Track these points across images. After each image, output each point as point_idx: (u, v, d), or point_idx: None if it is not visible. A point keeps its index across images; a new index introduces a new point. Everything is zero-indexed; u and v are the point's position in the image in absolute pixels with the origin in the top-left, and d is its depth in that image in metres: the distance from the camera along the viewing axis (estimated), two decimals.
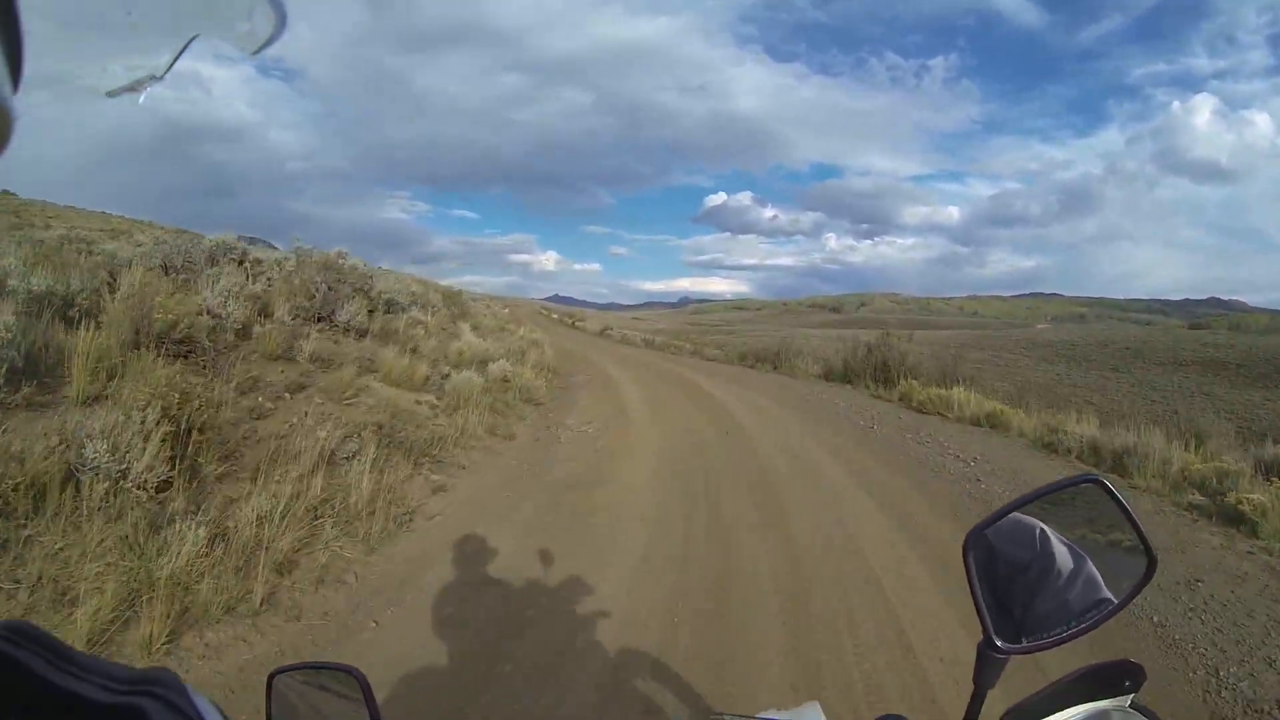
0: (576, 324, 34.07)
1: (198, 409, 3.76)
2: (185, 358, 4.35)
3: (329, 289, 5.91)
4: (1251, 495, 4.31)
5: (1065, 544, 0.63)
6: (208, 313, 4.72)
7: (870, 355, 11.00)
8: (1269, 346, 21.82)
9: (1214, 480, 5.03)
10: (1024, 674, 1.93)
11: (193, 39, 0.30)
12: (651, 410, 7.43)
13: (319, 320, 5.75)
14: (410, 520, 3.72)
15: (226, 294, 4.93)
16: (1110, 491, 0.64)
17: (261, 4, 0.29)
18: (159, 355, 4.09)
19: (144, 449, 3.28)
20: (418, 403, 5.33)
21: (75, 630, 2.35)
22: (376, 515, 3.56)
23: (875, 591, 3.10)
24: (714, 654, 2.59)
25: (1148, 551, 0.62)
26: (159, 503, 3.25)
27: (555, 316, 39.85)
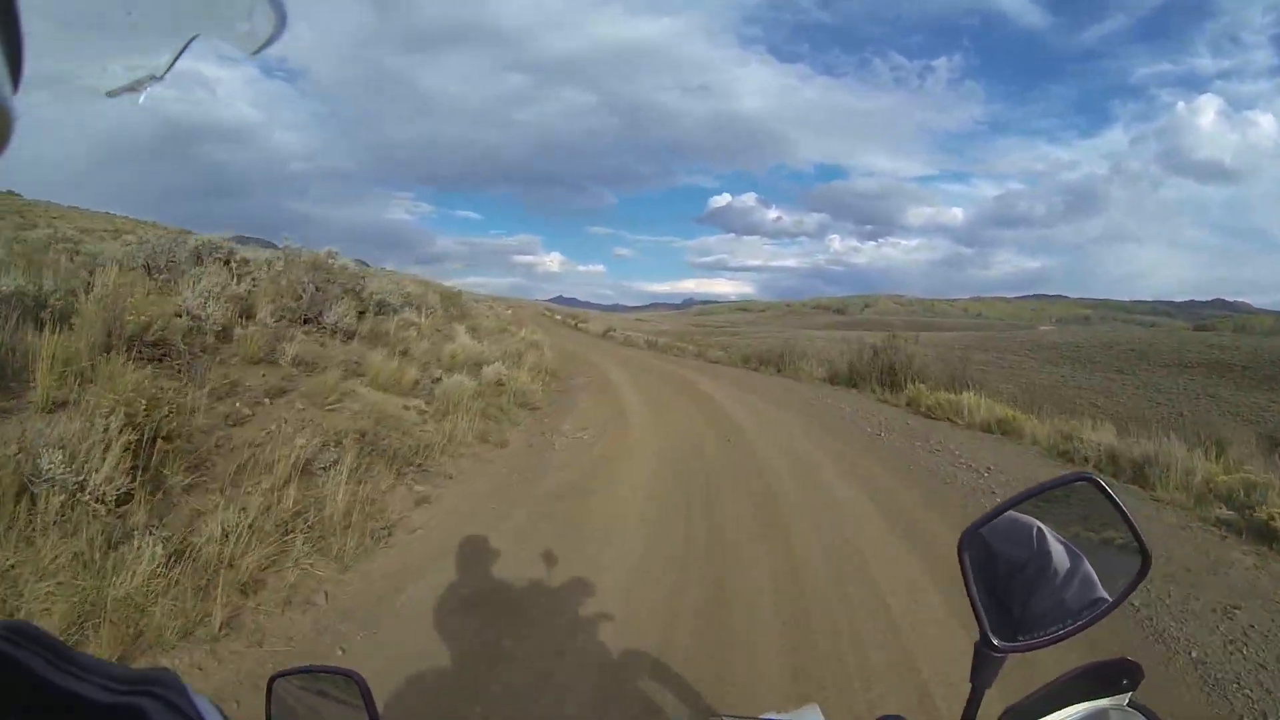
0: (579, 325, 33.92)
1: (166, 415, 3.57)
2: (160, 361, 4.16)
3: (317, 289, 5.71)
4: None
5: (1061, 542, 0.63)
6: (186, 314, 4.53)
7: (876, 358, 10.75)
8: (1274, 348, 21.52)
9: (1241, 493, 4.77)
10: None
11: (193, 39, 0.30)
12: (651, 415, 7.20)
13: (306, 322, 5.56)
14: (389, 535, 3.50)
15: (207, 295, 4.74)
16: (1104, 489, 0.63)
17: (261, 4, 0.29)
18: (130, 359, 3.90)
19: (103, 459, 3.09)
20: (405, 408, 5.13)
21: None
22: (352, 530, 3.35)
23: (886, 626, 2.85)
24: (710, 695, 2.36)
25: (1142, 549, 0.62)
26: (119, 516, 3.06)
27: (558, 318, 39.72)
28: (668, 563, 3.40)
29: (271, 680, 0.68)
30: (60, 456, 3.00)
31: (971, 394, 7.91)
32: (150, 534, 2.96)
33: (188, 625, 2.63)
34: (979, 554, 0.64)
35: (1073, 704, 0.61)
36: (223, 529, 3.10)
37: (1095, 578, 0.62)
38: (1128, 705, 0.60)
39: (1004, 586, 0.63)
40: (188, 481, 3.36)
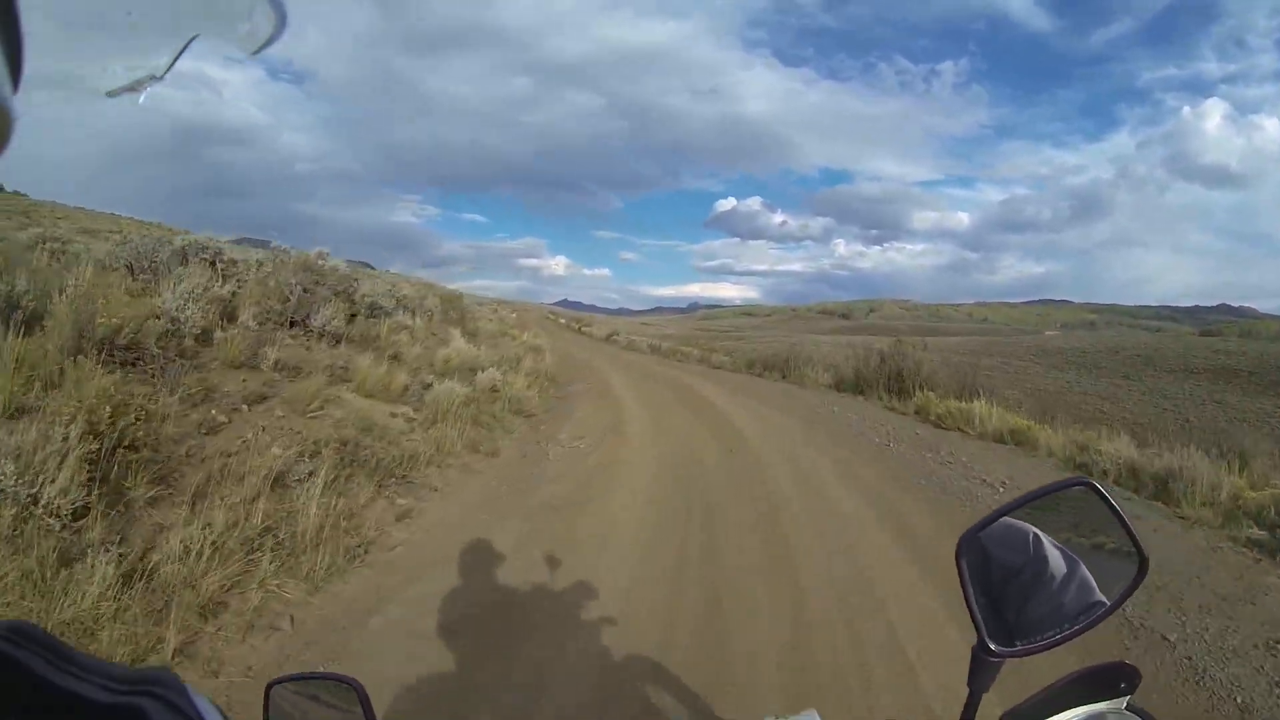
0: (583, 329, 33.78)
1: (133, 423, 3.38)
2: (133, 365, 3.97)
3: (304, 291, 5.53)
4: None
5: (1058, 547, 0.63)
6: (163, 316, 4.34)
7: (884, 364, 10.48)
8: None
9: (1272, 510, 4.51)
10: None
11: (193, 39, 0.30)
12: (651, 423, 6.97)
13: (292, 325, 5.37)
14: (365, 553, 3.29)
15: (187, 296, 4.56)
16: (1101, 494, 0.63)
17: (261, 4, 0.29)
18: (99, 362, 3.72)
19: (59, 469, 2.90)
20: (393, 415, 4.92)
21: None
22: (325, 547, 3.14)
23: (903, 670, 2.59)
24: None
25: (1139, 553, 0.61)
26: (76, 532, 2.87)
27: (563, 321, 39.59)
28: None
29: (269, 687, 0.67)
30: (12, 468, 2.81)
31: (982, 402, 7.64)
32: (106, 551, 2.77)
33: (138, 652, 2.43)
34: (976, 559, 0.64)
35: (1070, 708, 0.60)
36: (184, 546, 2.90)
37: (1092, 582, 0.61)
38: (1125, 709, 0.60)
39: (1000, 591, 0.63)
40: (151, 494, 3.16)
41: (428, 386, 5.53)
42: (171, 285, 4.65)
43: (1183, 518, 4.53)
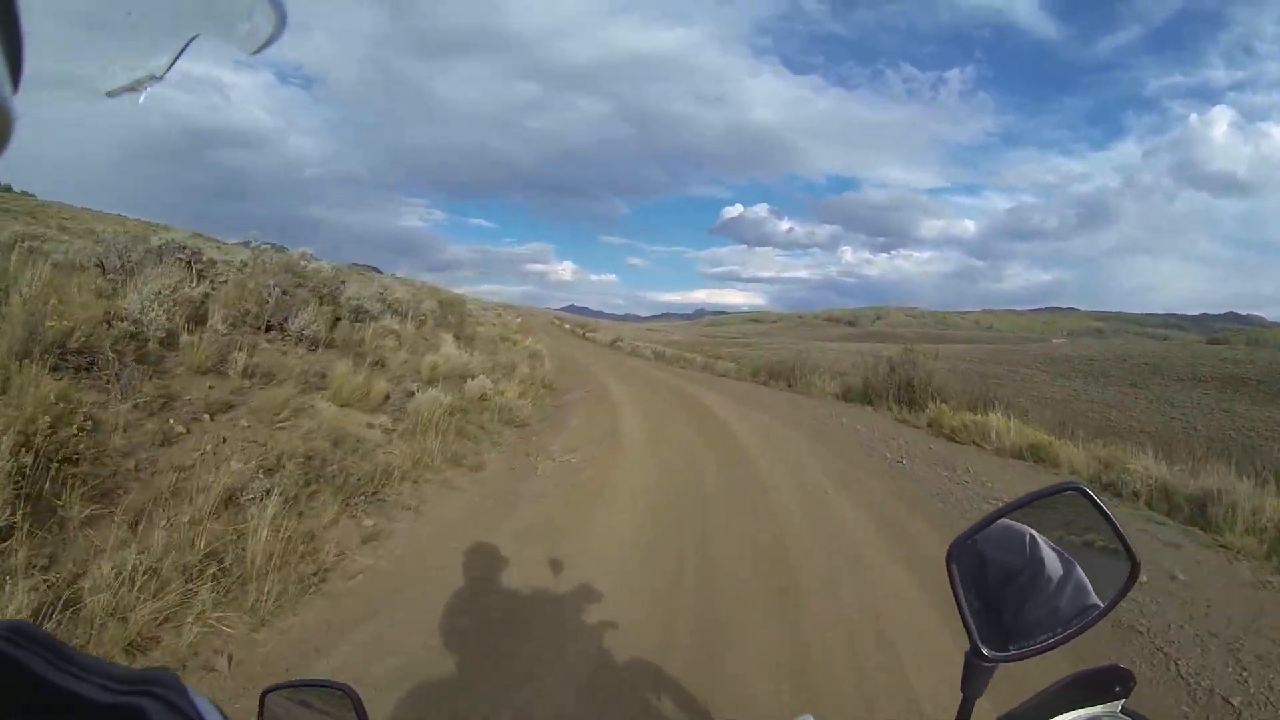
0: (587, 335, 33.55)
1: (75, 434, 3.09)
2: (86, 371, 3.70)
3: (284, 294, 5.26)
4: None
5: (1054, 549, 0.62)
6: (125, 318, 4.07)
7: (893, 374, 10.11)
8: None
9: None
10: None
11: (193, 39, 0.29)
12: (649, 435, 6.64)
13: (269, 329, 5.10)
14: (322, 581, 2.97)
15: (153, 297, 4.29)
16: (1091, 499, 0.63)
17: (261, 4, 0.29)
18: (49, 367, 3.44)
19: None
20: (370, 426, 4.62)
21: None
22: (276, 574, 2.83)
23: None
24: None
25: (1130, 556, 0.61)
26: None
27: (567, 327, 39.40)
28: (657, 635, 2.82)
29: (264, 694, 0.67)
30: None
31: (999, 415, 7.27)
32: (29, 576, 2.49)
33: None
34: (971, 562, 0.63)
35: (1065, 712, 0.58)
36: (116, 572, 2.60)
37: (1088, 584, 0.60)
38: (1120, 713, 0.58)
39: (997, 594, 0.62)
40: (88, 513, 2.87)
41: (411, 395, 5.23)
42: (137, 286, 4.39)
43: (1224, 546, 4.15)
